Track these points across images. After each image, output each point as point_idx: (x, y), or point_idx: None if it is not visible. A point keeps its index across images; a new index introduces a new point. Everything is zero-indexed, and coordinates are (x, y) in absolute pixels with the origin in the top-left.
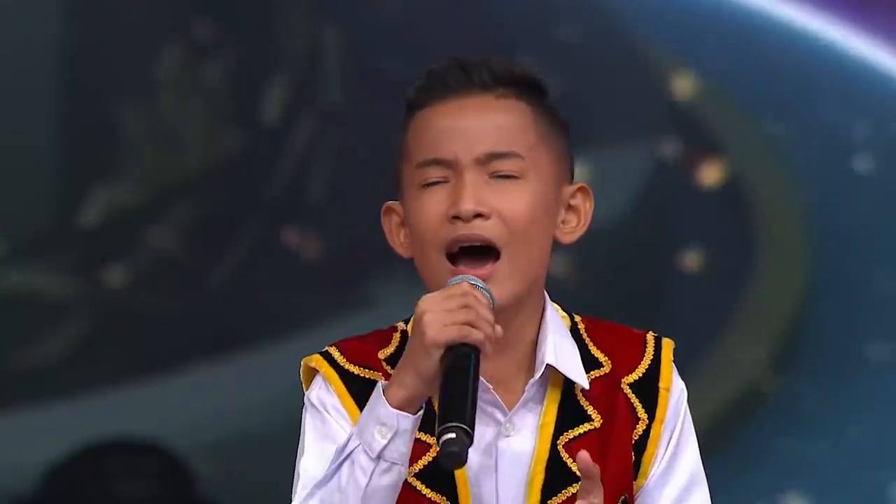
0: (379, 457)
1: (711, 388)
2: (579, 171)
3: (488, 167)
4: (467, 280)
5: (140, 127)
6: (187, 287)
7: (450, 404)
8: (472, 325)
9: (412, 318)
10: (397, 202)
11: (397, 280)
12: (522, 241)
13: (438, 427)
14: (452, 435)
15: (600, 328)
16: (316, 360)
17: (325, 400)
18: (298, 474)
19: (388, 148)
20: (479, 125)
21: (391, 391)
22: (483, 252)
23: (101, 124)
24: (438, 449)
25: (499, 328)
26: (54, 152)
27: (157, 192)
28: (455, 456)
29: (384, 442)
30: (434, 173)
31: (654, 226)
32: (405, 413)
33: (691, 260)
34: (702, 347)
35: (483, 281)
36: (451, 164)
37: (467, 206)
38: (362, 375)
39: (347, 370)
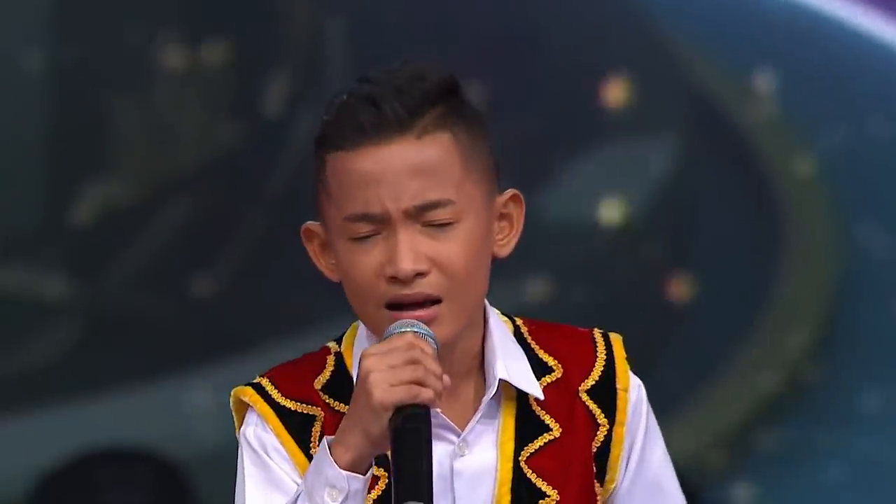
0: None
1: (737, 388)
2: (603, 165)
3: (420, 218)
4: (409, 328)
5: (134, 120)
6: (184, 287)
7: (404, 479)
8: (421, 383)
9: (343, 337)
10: (318, 224)
11: None
12: (464, 287)
13: None
14: None
15: (544, 330)
16: (249, 395)
17: (264, 440)
18: None
19: None
20: (404, 174)
21: (338, 452)
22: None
23: (92, 117)
24: None
25: (446, 378)
26: (44, 147)
27: (152, 188)
28: None
29: None
30: (363, 228)
31: (675, 221)
32: (355, 475)
33: (716, 257)
34: (724, 349)
35: (427, 322)
36: (380, 219)
37: (405, 267)
38: (300, 411)
39: (283, 406)
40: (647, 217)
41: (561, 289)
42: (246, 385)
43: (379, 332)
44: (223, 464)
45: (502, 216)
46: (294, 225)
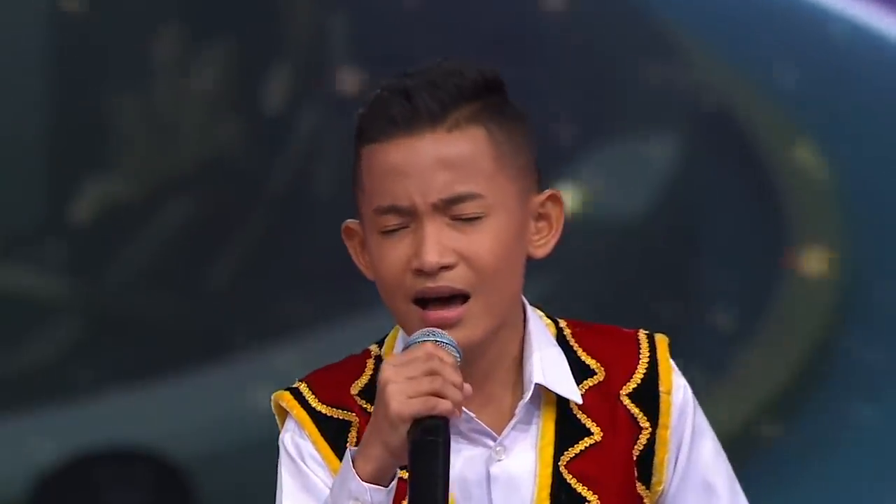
0: None
1: (740, 390)
2: (604, 163)
3: (448, 211)
4: (429, 337)
5: (133, 117)
6: (184, 287)
7: (419, 495)
8: (439, 395)
9: (385, 340)
10: (357, 222)
11: None
12: (492, 282)
13: None
14: None
15: (589, 332)
16: (286, 400)
17: (300, 447)
18: None
19: None
20: (433, 167)
21: (360, 464)
22: (453, 295)
23: (92, 115)
24: None
25: (468, 387)
26: (43, 145)
27: (152, 186)
28: None
29: None
30: (392, 221)
31: (678, 221)
32: (377, 486)
33: (719, 256)
34: (729, 350)
35: (455, 322)
36: (407, 212)
37: (430, 260)
38: (336, 417)
39: (319, 412)
40: (650, 216)
41: (564, 287)
42: (285, 389)
43: (409, 329)
44: (223, 464)
45: (540, 216)
46: (294, 225)
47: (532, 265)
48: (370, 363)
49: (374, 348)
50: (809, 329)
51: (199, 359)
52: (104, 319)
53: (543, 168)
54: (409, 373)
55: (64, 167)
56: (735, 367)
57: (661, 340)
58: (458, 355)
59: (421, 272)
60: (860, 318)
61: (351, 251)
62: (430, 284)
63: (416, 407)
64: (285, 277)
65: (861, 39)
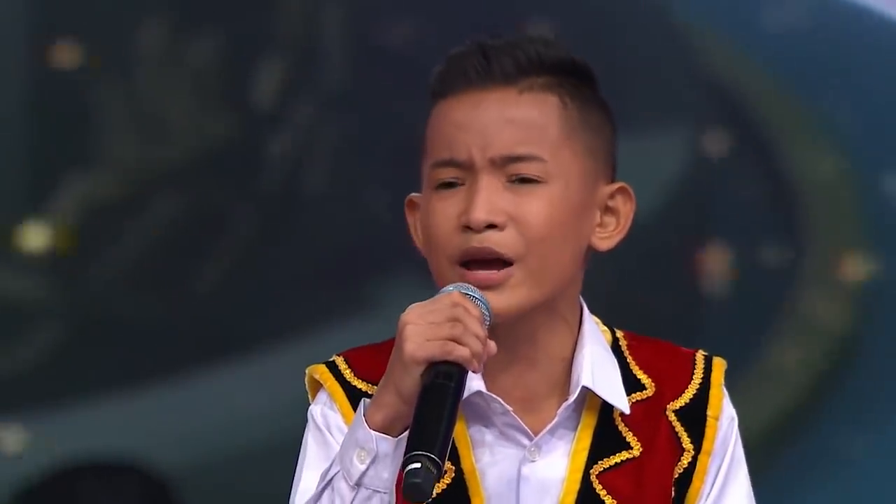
0: (358, 484)
1: (753, 399)
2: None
3: (506, 170)
4: (460, 289)
5: (119, 111)
6: (173, 288)
7: (419, 430)
8: (458, 341)
9: None
10: (421, 195)
11: (402, 280)
12: (541, 252)
13: (405, 455)
14: (417, 465)
15: (645, 346)
16: (321, 373)
17: (328, 418)
18: (294, 499)
19: (394, 136)
20: (496, 123)
21: (371, 412)
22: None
23: (74, 108)
24: (403, 479)
25: (492, 344)
26: (23, 139)
27: (139, 183)
28: (418, 488)
29: (363, 468)
30: (448, 174)
31: (689, 221)
32: (384, 435)
33: (730, 259)
34: (740, 356)
35: (495, 285)
36: (465, 165)
37: (478, 216)
38: (370, 392)
39: (354, 386)
40: (660, 212)
41: None
42: (321, 363)
43: None
44: (211, 474)
45: (608, 209)
46: (286, 222)
47: None
48: None
49: None
50: (825, 341)
51: (188, 364)
52: (88, 323)
53: None
54: (431, 317)
55: (45, 163)
56: (744, 373)
57: (718, 364)
58: (486, 312)
59: (468, 229)
60: (874, 323)
61: (410, 225)
62: (476, 244)
63: (432, 350)
64: (277, 278)
65: (886, 37)
